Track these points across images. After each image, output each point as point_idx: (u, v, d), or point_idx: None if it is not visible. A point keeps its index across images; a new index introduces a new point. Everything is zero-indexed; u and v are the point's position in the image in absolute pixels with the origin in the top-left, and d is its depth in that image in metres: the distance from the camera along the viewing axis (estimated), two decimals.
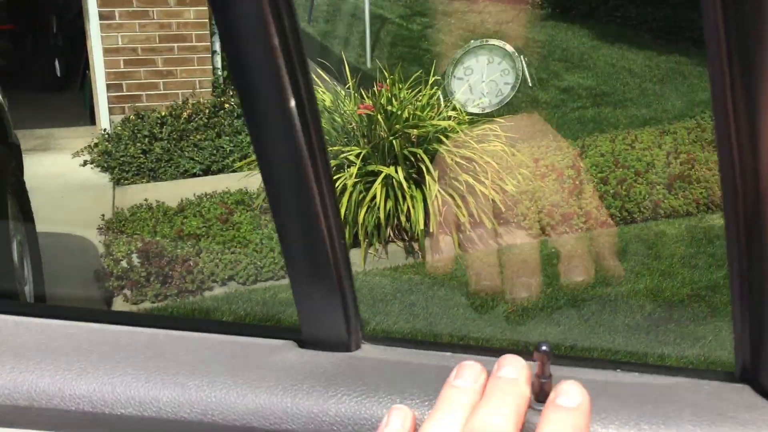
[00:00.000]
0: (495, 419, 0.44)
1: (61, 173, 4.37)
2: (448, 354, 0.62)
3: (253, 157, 4.11)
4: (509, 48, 4.46)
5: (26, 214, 2.72)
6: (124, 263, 3.16)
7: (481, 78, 4.45)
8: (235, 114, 4.81)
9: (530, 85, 3.75)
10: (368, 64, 6.65)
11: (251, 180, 3.89)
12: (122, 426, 0.58)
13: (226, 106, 4.84)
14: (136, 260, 3.18)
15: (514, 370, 0.47)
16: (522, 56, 4.48)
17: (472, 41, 4.56)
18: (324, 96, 3.67)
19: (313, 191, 0.54)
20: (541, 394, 0.49)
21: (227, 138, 4.62)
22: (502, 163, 3.50)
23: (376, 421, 0.55)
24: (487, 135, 3.55)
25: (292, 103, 0.51)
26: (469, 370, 0.48)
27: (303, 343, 0.63)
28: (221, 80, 4.98)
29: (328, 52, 7.66)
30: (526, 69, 4.55)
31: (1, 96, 2.51)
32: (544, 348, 0.47)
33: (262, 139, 0.53)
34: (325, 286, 0.58)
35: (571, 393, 0.45)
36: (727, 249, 0.52)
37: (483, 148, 3.41)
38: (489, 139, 3.48)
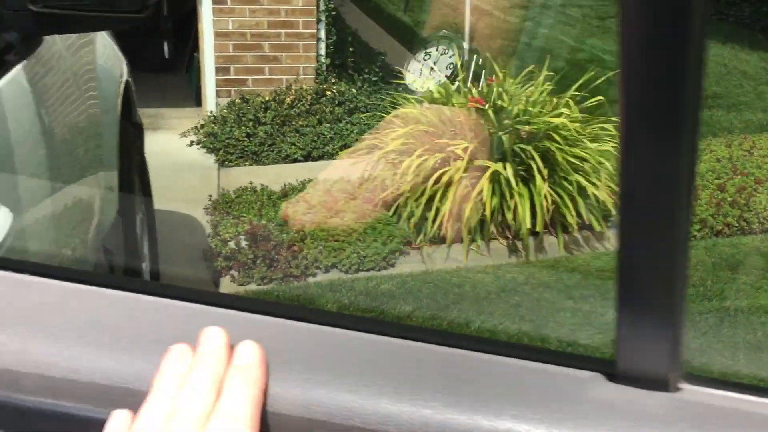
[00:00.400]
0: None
1: (169, 152, 4.50)
2: None
3: (355, 146, 4.13)
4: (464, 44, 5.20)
5: (146, 192, 2.81)
6: (231, 244, 3.23)
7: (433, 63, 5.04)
8: (336, 102, 4.83)
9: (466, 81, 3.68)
10: (465, 56, 6.57)
11: (351, 169, 3.90)
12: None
13: (328, 93, 4.87)
14: (243, 242, 3.24)
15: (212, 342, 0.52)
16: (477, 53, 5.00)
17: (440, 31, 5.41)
18: (432, 87, 3.64)
19: (676, 200, 0.47)
20: None
21: (328, 125, 4.65)
22: (614, 165, 3.37)
23: None
24: (600, 134, 3.44)
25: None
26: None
27: (615, 377, 0.56)
28: (324, 67, 5.01)
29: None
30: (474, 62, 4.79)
31: (130, 76, 2.59)
32: None
33: (637, 140, 0.45)
34: (658, 311, 0.51)
35: (242, 352, 0.51)
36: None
37: (596, 148, 3.30)
38: (603, 139, 3.36)
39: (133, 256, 2.36)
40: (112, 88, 2.24)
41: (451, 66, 5.11)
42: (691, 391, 0.55)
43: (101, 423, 0.54)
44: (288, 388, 0.55)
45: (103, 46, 2.24)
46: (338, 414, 0.54)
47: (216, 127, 4.60)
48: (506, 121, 3.32)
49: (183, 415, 0.48)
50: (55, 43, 1.68)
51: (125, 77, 2.46)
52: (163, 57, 5.96)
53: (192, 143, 4.61)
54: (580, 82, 3.53)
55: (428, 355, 0.58)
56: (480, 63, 4.65)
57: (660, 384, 0.53)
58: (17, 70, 1.36)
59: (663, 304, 0.49)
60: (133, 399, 0.55)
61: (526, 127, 3.26)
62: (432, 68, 5.05)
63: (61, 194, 1.56)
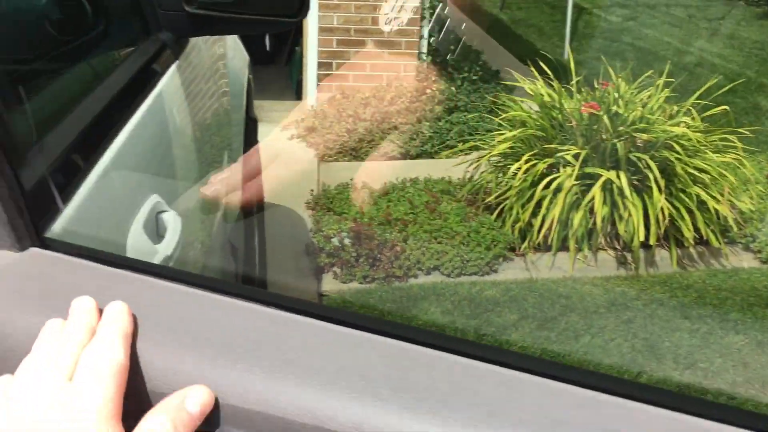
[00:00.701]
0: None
1: (271, 145, 4.57)
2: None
3: (460, 147, 4.07)
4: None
5: (259, 188, 2.85)
6: (335, 241, 3.24)
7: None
8: (436, 100, 4.79)
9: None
10: (565, 56, 6.39)
11: (453, 170, 3.85)
12: None
13: (428, 91, 4.83)
14: (346, 239, 3.24)
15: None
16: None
17: None
18: (542, 90, 3.54)
19: None
20: None
21: (427, 124, 4.61)
22: (737, 178, 3.20)
23: None
24: (722, 146, 3.26)
25: None
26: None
27: None
28: (425, 65, 4.97)
29: (521, 42, 7.46)
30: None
31: (250, 74, 2.62)
32: None
33: None
34: None
35: (110, 307, 0.58)
36: None
37: (718, 159, 3.13)
38: (726, 150, 3.19)
39: (253, 252, 2.39)
40: (239, 84, 2.26)
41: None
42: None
43: None
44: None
45: (233, 40, 2.27)
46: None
47: (316, 122, 4.64)
48: (621, 128, 3.20)
49: (63, 346, 0.55)
50: (195, 39, 1.70)
51: (248, 73, 2.49)
52: (265, 49, 6.07)
53: (292, 136, 4.66)
54: (705, 88, 3.36)
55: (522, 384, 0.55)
56: (590, 66, 4.51)
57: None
58: (172, 70, 1.38)
59: None
60: None
61: (644, 135, 3.12)
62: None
63: (195, 191, 1.58)
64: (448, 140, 4.44)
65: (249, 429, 0.53)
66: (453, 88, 4.95)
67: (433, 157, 4.38)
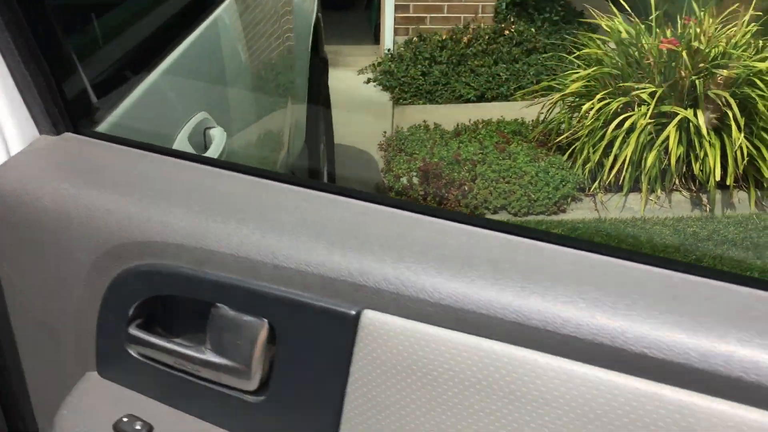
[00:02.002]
0: None
1: (347, 89, 4.65)
2: None
3: (534, 87, 4.02)
4: None
5: (328, 126, 2.94)
6: (404, 180, 3.31)
7: None
8: (514, 42, 4.71)
9: None
10: None
11: (525, 111, 3.82)
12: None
13: (506, 33, 4.76)
14: (414, 178, 3.31)
15: None
16: None
17: None
18: (620, 26, 3.43)
19: None
20: None
21: (504, 66, 4.56)
22: None
23: None
24: None
25: None
26: None
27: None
28: (504, 6, 4.88)
29: None
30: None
31: (319, 11, 2.69)
32: None
33: None
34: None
35: None
36: None
37: None
38: None
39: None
40: (305, 23, 2.33)
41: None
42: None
43: (325, 311, 0.64)
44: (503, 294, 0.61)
45: None
46: (552, 322, 0.57)
47: (393, 65, 4.67)
48: (702, 65, 3.08)
49: None
50: None
51: (316, 12, 2.56)
52: None
53: (369, 80, 4.72)
54: None
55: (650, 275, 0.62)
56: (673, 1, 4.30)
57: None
58: (228, 1, 1.46)
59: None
60: (356, 292, 0.62)
61: (724, 72, 3.00)
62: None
63: (258, 123, 1.68)
64: (524, 82, 4.38)
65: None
66: (533, 29, 4.85)
67: (508, 100, 4.34)
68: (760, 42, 3.17)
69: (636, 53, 3.30)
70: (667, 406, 0.54)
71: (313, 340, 0.66)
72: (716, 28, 3.27)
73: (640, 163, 3.11)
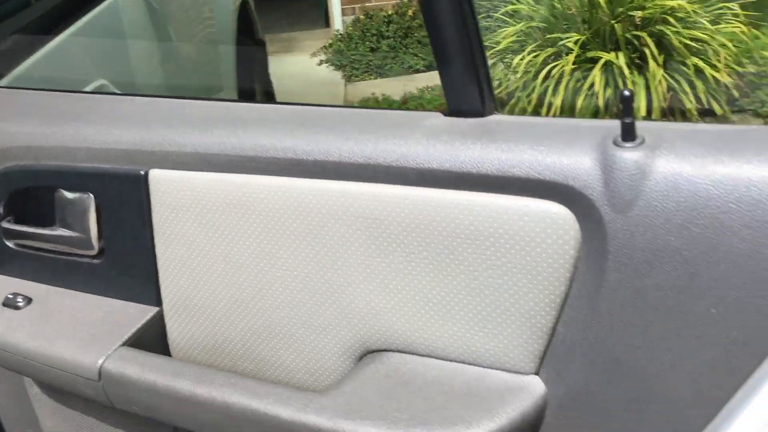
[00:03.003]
0: None
1: (301, 73, 4.81)
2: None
3: None
4: None
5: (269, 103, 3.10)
6: None
7: None
8: None
9: None
10: None
11: None
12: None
13: None
14: None
15: None
16: None
17: None
18: None
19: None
20: (624, 133, 0.68)
21: None
22: (741, 46, 3.20)
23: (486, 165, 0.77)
24: (724, 14, 3.25)
25: None
26: None
27: (448, 113, 0.83)
28: None
29: None
30: None
31: None
32: (626, 93, 0.62)
33: None
34: (463, 62, 0.73)
35: None
36: None
37: (717, 29, 3.14)
38: (726, 19, 3.19)
39: None
40: (226, 9, 2.48)
41: None
42: (499, 116, 0.81)
43: (123, 176, 0.91)
44: None
45: None
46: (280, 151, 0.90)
47: (342, 45, 4.83)
48: (619, 9, 3.24)
49: None
50: None
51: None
52: None
53: (321, 62, 4.88)
54: None
55: None
56: None
57: (476, 113, 0.75)
58: None
59: (468, 55, 0.72)
60: (141, 157, 0.90)
61: (639, 13, 3.16)
62: None
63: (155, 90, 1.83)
64: None
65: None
66: None
67: None
68: None
69: (558, 4, 3.46)
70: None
71: (122, 203, 0.89)
72: None
73: (572, 108, 3.29)
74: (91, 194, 0.91)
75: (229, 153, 0.86)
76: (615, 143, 0.70)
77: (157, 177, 0.88)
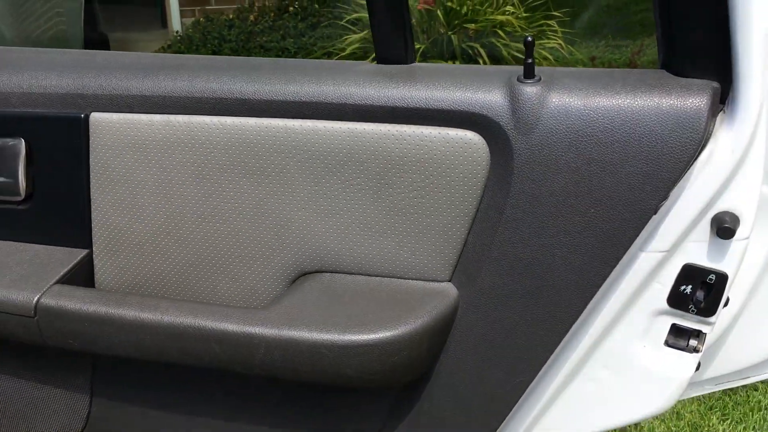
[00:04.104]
0: None
1: None
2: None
3: (316, 54, 4.28)
4: None
5: None
6: None
7: None
8: (299, 17, 4.94)
9: None
10: None
11: None
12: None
13: (291, 9, 4.98)
14: None
15: None
16: None
17: None
18: None
19: None
20: (526, 72, 0.83)
21: (292, 40, 4.78)
22: (560, 60, 3.56)
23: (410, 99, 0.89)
24: (545, 31, 3.61)
25: None
26: None
27: (377, 62, 0.95)
28: None
29: None
30: None
31: None
32: (529, 38, 0.75)
33: None
34: (392, 17, 0.87)
35: None
36: None
37: (540, 44, 3.48)
38: (546, 35, 3.54)
39: None
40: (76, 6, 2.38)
41: None
42: (420, 65, 0.94)
43: (61, 119, 0.93)
44: None
45: None
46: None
47: (183, 47, 4.72)
48: (455, 21, 3.49)
49: None
50: None
51: None
52: None
53: None
54: None
55: None
56: None
57: (401, 61, 0.94)
58: None
59: (398, 11, 0.86)
60: (82, 100, 0.93)
61: (472, 26, 3.43)
62: None
63: None
64: (313, 54, 4.63)
65: None
66: (317, 5, 5.12)
67: None
68: None
69: None
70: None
71: (58, 147, 0.89)
72: None
73: None
74: (22, 139, 0.91)
75: (177, 95, 0.90)
76: (519, 80, 0.85)
77: (99, 120, 0.90)
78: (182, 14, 4.95)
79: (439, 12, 3.48)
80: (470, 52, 3.41)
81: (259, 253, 0.92)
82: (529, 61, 0.84)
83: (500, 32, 3.43)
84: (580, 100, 0.83)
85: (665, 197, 0.80)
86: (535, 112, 0.83)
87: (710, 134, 0.80)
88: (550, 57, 3.46)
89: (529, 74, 0.84)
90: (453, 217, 0.88)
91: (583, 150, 0.82)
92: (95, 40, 2.63)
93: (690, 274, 0.82)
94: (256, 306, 0.95)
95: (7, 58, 0.97)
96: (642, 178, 0.80)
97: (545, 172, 0.83)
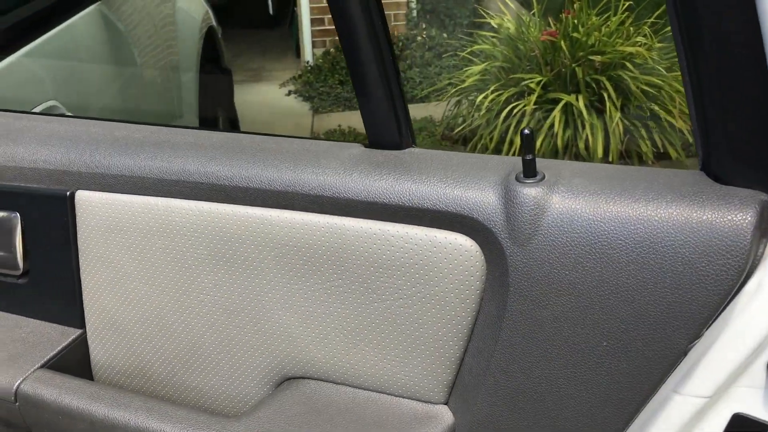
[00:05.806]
0: None
1: (269, 102, 4.83)
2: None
3: (439, 85, 4.25)
4: None
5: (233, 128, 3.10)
6: None
7: None
8: (426, 47, 4.95)
9: None
10: None
11: (434, 109, 4.04)
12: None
13: (419, 38, 5.00)
14: None
15: None
16: None
17: None
18: (509, 24, 3.69)
19: (371, 31, 0.76)
20: (525, 170, 0.70)
21: (417, 69, 4.79)
22: None
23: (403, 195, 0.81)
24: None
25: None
26: None
27: (367, 145, 0.86)
28: (415, 13, 5.13)
29: None
30: None
31: (216, 24, 2.86)
32: (526, 131, 0.64)
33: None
34: (381, 97, 0.75)
35: None
36: (679, 62, 0.63)
37: (673, 76, 3.25)
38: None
39: None
40: (191, 33, 2.50)
41: None
42: (416, 150, 0.84)
43: (49, 195, 0.93)
44: None
45: None
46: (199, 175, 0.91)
47: (312, 76, 4.87)
48: (580, 53, 3.33)
49: None
50: None
51: (208, 23, 2.73)
52: (268, 14, 6.29)
53: (290, 93, 4.91)
54: (664, 7, 3.45)
55: None
56: None
57: (394, 146, 0.77)
58: (97, 7, 1.63)
59: (387, 90, 0.75)
60: (67, 177, 0.92)
61: (599, 57, 3.26)
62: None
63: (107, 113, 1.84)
64: (438, 84, 4.62)
65: None
66: (445, 34, 5.10)
67: (423, 101, 4.57)
68: (631, 28, 3.45)
69: (522, 46, 3.55)
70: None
71: (48, 223, 0.90)
72: (594, 19, 3.54)
73: None
74: (17, 213, 0.91)
75: (155, 176, 0.88)
76: (517, 179, 0.73)
77: (83, 198, 0.89)
78: (314, 45, 5.10)
79: (562, 43, 3.34)
80: (594, 85, 3.24)
81: (241, 351, 0.87)
82: (529, 157, 0.71)
83: (628, 64, 3.23)
84: (589, 207, 0.70)
85: (697, 336, 0.64)
86: (533, 219, 0.71)
87: (759, 259, 0.63)
88: (682, 88, 3.21)
89: (529, 173, 0.72)
90: (446, 331, 0.77)
91: (591, 269, 0.68)
92: (214, 72, 2.74)
93: (741, 426, 0.66)
94: (240, 407, 0.89)
95: (10, 129, 0.98)
96: (666, 310, 0.65)
97: (545, 292, 0.70)
